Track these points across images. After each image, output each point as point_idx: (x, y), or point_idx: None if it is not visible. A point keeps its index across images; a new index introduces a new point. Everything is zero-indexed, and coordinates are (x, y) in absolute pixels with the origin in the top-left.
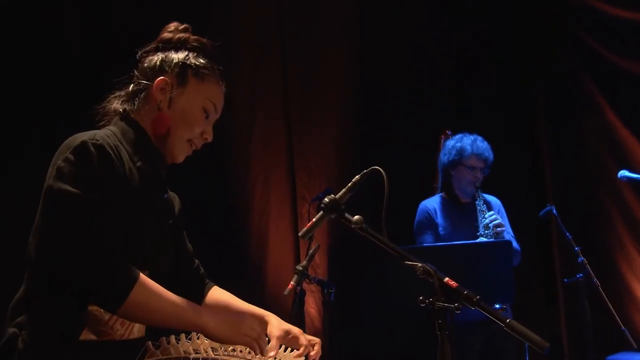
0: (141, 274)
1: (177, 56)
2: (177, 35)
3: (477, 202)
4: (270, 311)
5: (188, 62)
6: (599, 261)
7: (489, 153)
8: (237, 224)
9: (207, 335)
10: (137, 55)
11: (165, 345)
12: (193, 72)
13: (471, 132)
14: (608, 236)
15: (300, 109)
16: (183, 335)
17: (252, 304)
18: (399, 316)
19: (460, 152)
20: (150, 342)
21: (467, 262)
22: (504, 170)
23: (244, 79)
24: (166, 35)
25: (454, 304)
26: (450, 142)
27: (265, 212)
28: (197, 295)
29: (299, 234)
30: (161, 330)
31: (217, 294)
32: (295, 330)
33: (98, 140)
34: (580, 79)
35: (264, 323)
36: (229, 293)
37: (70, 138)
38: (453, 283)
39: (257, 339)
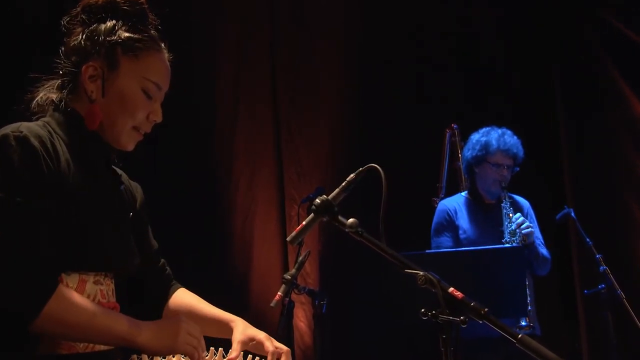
0: (61, 285)
1: (104, 31)
2: None
3: (503, 204)
4: (256, 325)
5: (116, 39)
6: (623, 270)
7: (517, 149)
8: (218, 228)
9: (142, 351)
10: (62, 26)
11: None
12: (123, 49)
13: (480, 126)
14: (633, 242)
15: (290, 100)
16: None
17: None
18: (396, 330)
19: (486, 147)
20: None
21: (475, 270)
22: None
23: (228, 67)
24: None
25: (459, 317)
26: (475, 136)
27: (250, 214)
28: (161, 297)
29: (288, 238)
30: None
31: (181, 297)
32: (261, 335)
33: (22, 132)
34: (603, 65)
35: (226, 328)
36: (195, 295)
37: None
38: (458, 294)
39: (197, 347)
